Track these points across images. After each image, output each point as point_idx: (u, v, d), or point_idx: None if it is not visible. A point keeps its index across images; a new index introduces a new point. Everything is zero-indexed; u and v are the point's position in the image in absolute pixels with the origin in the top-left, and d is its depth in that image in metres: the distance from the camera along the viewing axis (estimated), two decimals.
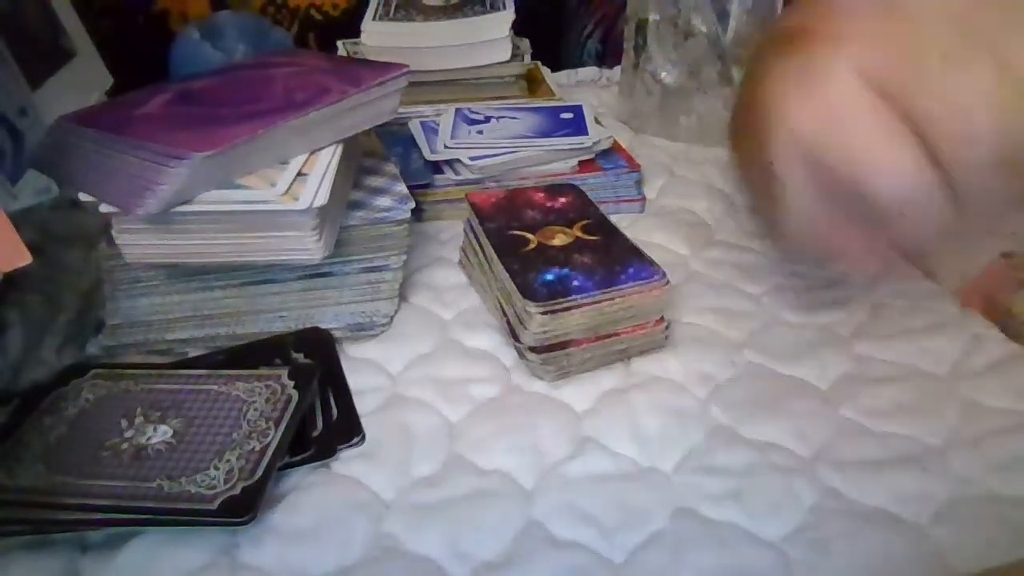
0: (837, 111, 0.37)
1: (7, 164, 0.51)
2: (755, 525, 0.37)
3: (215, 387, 0.42)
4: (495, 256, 0.47)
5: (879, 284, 0.49)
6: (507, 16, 0.68)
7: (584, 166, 0.60)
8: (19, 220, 0.34)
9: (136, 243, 0.43)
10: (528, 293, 0.43)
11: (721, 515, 0.37)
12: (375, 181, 0.51)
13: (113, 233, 0.43)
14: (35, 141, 0.51)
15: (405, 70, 0.50)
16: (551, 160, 0.59)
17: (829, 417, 0.42)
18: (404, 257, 0.49)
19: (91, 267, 0.48)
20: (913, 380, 0.44)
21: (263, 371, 0.43)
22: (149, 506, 0.35)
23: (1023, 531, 0.36)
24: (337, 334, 0.47)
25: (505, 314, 0.46)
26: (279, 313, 0.48)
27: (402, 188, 0.50)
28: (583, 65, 0.84)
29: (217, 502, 0.35)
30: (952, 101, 0.35)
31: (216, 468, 0.37)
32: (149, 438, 0.39)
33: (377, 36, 0.67)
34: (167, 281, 0.47)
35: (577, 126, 0.61)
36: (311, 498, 0.38)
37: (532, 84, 0.72)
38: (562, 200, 0.53)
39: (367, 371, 0.46)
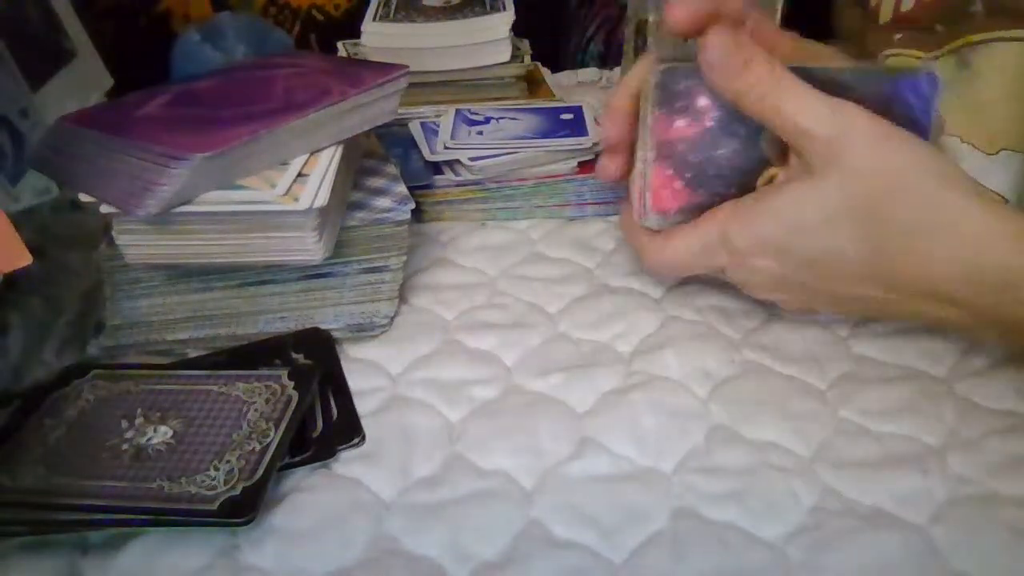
0: None
1: (8, 165, 0.51)
2: (755, 525, 0.37)
3: (215, 388, 0.42)
4: None
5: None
6: (507, 17, 0.68)
7: (584, 167, 0.60)
8: (19, 221, 0.34)
9: (136, 244, 0.43)
10: None
11: (721, 515, 0.37)
12: (375, 182, 0.51)
13: (113, 234, 0.43)
14: (36, 142, 0.51)
15: (405, 71, 0.50)
16: (551, 161, 0.59)
17: (828, 417, 0.42)
18: (404, 258, 0.49)
19: (91, 268, 0.48)
20: (912, 380, 0.44)
21: (263, 372, 0.43)
22: (149, 507, 0.35)
23: (1022, 531, 0.36)
24: (337, 335, 0.47)
25: None
26: (279, 314, 0.48)
27: (402, 189, 0.50)
28: (585, 67, 0.84)
29: (217, 503, 0.35)
30: None
31: (216, 469, 0.37)
32: (149, 439, 0.39)
33: (377, 37, 0.67)
34: (167, 282, 0.47)
35: (577, 127, 0.61)
36: (311, 499, 0.38)
37: (532, 85, 0.72)
38: None
39: (367, 372, 0.46)
